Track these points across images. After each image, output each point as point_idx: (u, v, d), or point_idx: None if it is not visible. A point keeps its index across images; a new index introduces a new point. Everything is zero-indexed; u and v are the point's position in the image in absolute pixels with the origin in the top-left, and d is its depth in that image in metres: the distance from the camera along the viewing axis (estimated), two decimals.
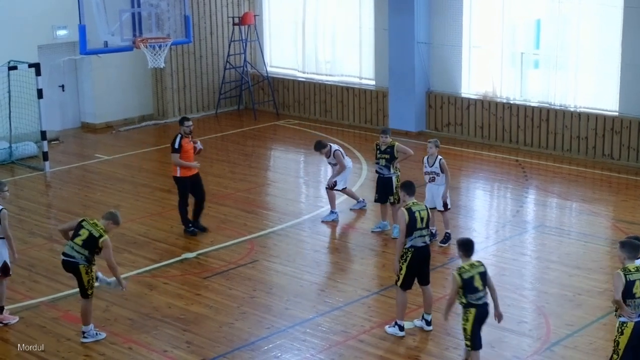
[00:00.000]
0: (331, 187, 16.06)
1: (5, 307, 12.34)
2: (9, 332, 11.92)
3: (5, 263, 11.94)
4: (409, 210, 11.40)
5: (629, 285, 9.38)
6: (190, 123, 15.33)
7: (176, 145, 15.06)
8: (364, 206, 16.70)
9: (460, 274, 10.05)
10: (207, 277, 13.68)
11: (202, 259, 14.46)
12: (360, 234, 15.58)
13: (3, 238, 11.89)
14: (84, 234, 11.25)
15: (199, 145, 15.52)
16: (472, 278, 10.04)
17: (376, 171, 15.43)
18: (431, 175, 14.58)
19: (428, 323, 11.75)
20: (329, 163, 16.27)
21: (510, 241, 15.07)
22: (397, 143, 15.20)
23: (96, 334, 11.52)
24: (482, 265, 10.27)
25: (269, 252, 14.83)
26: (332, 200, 16.19)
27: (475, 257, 14.31)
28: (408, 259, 11.38)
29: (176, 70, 24.88)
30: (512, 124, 21.17)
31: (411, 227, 11.34)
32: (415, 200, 11.59)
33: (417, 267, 11.46)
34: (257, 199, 17.81)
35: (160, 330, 11.89)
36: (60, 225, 11.82)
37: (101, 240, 11.18)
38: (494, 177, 19.09)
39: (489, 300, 10.22)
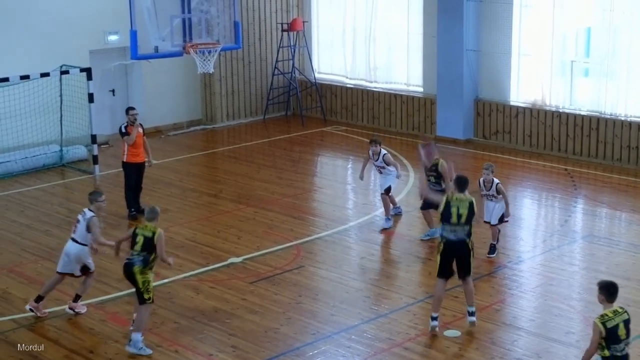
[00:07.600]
0: (387, 192, 16.06)
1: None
2: (57, 333, 12.07)
3: (84, 265, 12.44)
4: (446, 202, 11.62)
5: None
6: (135, 112, 16.62)
7: (123, 130, 16.53)
8: (400, 212, 16.70)
9: (603, 322, 8.90)
10: (253, 282, 13.72)
11: (249, 264, 14.52)
12: (406, 241, 15.53)
13: (86, 245, 12.32)
14: (140, 240, 11.44)
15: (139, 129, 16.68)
16: (616, 327, 8.90)
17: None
18: (489, 197, 14.47)
19: (471, 314, 11.85)
20: (375, 164, 16.24)
21: (558, 251, 14.93)
22: (440, 161, 14.75)
23: (141, 348, 11.40)
24: (626, 312, 9.09)
25: (315, 258, 14.84)
26: (387, 207, 16.18)
27: (530, 270, 14.27)
28: (441, 249, 11.72)
29: (225, 76, 25.03)
30: (561, 132, 20.99)
31: (444, 217, 11.63)
32: (461, 196, 11.62)
33: (449, 259, 11.70)
34: (304, 205, 17.84)
35: (206, 334, 11.96)
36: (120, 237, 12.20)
37: (156, 234, 11.38)
38: (543, 186, 18.93)
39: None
